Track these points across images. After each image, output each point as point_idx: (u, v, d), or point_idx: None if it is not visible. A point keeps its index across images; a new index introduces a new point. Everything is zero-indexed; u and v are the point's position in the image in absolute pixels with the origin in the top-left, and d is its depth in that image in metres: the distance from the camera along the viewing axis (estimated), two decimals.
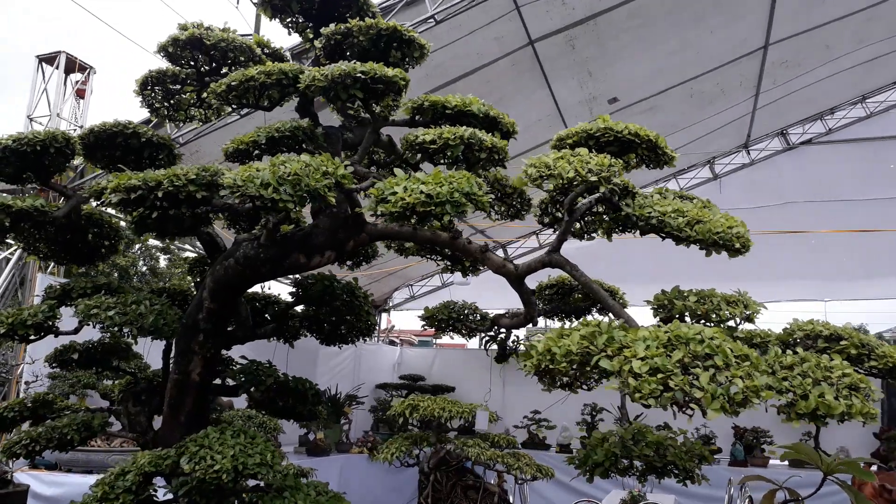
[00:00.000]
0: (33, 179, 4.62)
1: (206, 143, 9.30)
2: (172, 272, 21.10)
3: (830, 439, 13.98)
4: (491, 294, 10.23)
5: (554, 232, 4.57)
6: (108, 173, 5.13)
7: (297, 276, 4.81)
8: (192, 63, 4.75)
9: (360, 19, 4.66)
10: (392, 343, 18.18)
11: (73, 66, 11.18)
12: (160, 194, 3.24)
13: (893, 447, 12.95)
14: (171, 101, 5.08)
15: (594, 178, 3.11)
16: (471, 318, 5.22)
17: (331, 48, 4.47)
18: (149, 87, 4.97)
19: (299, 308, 5.27)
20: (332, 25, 4.34)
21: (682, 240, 3.12)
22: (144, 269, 20.69)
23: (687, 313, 3.26)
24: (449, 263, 5.01)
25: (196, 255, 6.29)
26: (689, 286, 3.99)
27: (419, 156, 3.96)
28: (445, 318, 5.06)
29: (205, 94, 5.03)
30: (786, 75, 13.23)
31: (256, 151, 4.05)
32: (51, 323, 4.11)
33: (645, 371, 2.50)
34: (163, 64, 5.12)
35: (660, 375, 2.47)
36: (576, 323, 3.68)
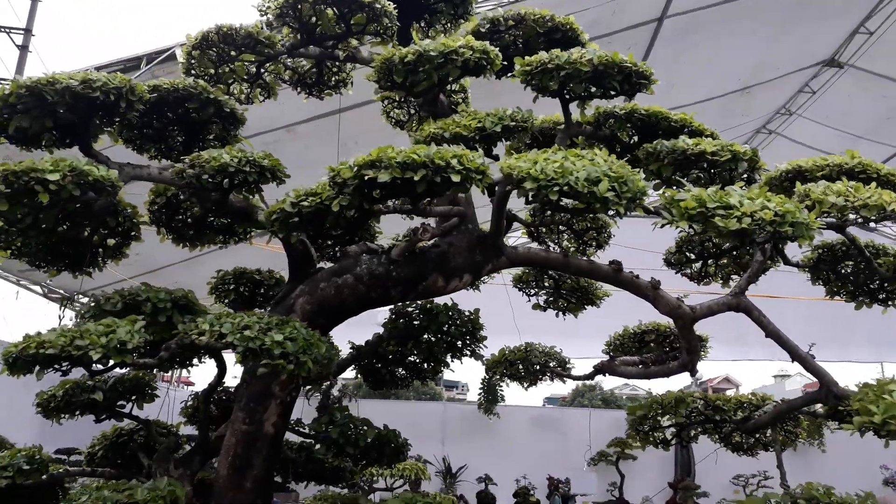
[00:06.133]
0: (60, 144, 3.21)
1: None
2: None
3: (630, 489, 15.07)
4: None
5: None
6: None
7: (397, 304, 3.91)
8: (300, 22, 3.68)
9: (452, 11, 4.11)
10: None
11: None
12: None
13: (689, 496, 14.26)
14: (217, 72, 3.93)
15: None
16: (537, 365, 4.66)
17: (481, 36, 3.79)
18: (201, 49, 3.80)
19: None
20: (501, 10, 3.68)
21: None
22: None
23: None
24: (563, 300, 4.42)
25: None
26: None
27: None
28: (525, 364, 4.45)
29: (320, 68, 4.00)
30: None
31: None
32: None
33: None
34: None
35: None
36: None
